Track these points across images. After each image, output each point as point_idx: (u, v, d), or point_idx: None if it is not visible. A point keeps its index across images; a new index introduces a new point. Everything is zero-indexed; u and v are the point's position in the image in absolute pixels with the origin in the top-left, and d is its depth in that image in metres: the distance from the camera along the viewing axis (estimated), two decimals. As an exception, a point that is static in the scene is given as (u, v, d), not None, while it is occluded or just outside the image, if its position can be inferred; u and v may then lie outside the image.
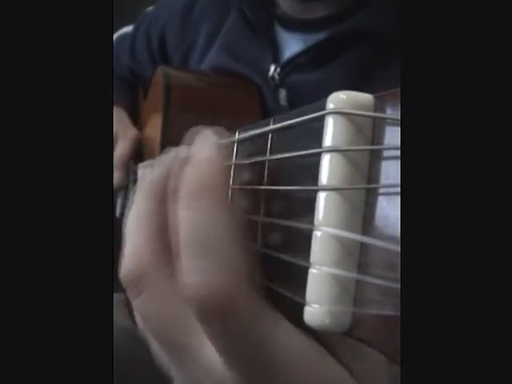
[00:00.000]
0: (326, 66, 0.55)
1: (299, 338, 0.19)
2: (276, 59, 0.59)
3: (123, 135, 0.72)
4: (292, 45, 0.59)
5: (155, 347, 0.23)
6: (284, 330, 0.19)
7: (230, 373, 0.20)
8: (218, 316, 0.18)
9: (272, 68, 0.59)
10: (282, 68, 0.58)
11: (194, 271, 0.19)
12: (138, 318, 0.24)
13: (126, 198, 0.69)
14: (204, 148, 0.21)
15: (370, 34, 0.53)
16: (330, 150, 0.17)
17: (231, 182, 0.24)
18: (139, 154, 0.71)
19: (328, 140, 0.17)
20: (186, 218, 0.19)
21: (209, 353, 0.20)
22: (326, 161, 0.17)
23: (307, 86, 0.56)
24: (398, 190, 0.15)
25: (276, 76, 0.58)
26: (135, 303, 0.23)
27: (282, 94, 0.58)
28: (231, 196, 0.23)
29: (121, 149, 0.70)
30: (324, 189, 0.17)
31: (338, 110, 0.17)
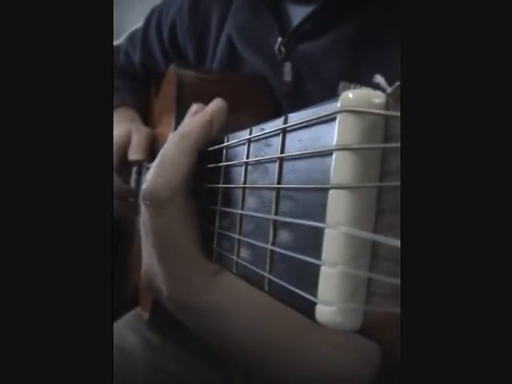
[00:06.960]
0: (329, 32, 0.55)
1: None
2: (283, 32, 0.59)
3: (136, 131, 0.73)
4: (298, 16, 0.59)
5: None
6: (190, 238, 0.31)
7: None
8: (152, 205, 0.30)
9: (279, 40, 0.58)
10: (289, 39, 0.58)
11: (148, 176, 0.30)
12: None
13: (139, 174, 0.74)
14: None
15: None
16: (340, 149, 0.17)
17: (242, 180, 0.25)
18: (151, 151, 0.72)
19: (338, 138, 0.17)
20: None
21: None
22: (336, 159, 0.17)
23: (312, 55, 0.56)
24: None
25: (282, 49, 0.58)
26: None
27: (287, 68, 0.58)
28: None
29: (136, 138, 0.71)
30: (335, 187, 0.17)
31: (346, 109, 0.17)
